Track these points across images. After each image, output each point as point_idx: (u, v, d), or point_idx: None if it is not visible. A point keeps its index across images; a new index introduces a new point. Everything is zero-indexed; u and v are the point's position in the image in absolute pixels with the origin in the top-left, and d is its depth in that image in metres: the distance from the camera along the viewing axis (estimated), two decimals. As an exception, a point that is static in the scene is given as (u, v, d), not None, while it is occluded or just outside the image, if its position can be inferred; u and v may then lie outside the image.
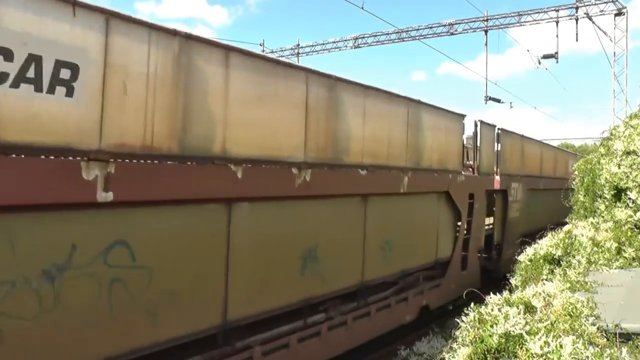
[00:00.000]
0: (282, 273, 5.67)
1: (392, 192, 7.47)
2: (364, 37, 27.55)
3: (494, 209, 11.86)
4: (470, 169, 10.74)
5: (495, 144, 11.55)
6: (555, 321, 3.84)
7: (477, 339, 3.75)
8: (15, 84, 3.19)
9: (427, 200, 8.67)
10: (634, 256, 6.25)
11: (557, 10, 22.82)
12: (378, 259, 7.32)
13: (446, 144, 9.12)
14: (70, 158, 3.48)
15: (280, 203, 5.54)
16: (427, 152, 8.43)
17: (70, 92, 3.47)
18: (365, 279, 7.08)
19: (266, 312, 5.44)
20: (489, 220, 12.00)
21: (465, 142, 10.46)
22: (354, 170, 6.59)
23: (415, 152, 8.06)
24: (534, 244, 7.16)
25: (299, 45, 30.31)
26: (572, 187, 9.11)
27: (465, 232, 10.01)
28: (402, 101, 7.76)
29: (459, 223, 9.84)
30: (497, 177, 11.44)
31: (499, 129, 11.66)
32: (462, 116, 9.80)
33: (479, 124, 10.65)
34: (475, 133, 10.68)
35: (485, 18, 24.37)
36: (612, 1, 21.68)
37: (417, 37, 25.94)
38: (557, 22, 22.81)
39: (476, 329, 3.86)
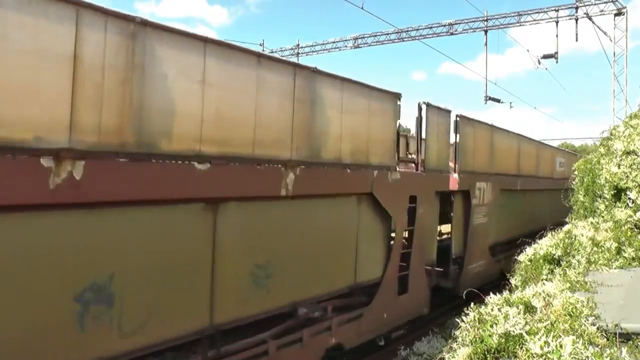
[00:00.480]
0: (46, 324, 3.68)
1: (266, 195, 5.36)
2: (363, 37, 27.55)
3: (452, 214, 9.85)
4: (414, 165, 8.71)
5: (453, 134, 9.59)
6: (555, 321, 3.84)
7: (477, 339, 3.75)
8: None
9: (334, 205, 6.50)
10: (634, 256, 6.25)
11: (557, 10, 22.81)
12: (243, 291, 5.25)
13: (369, 130, 6.96)
14: None
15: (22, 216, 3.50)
16: (333, 139, 6.33)
17: None
18: (216, 322, 4.97)
19: None
20: (448, 228, 10.33)
21: (410, 132, 8.97)
22: (184, 165, 4.49)
23: (310, 138, 5.93)
24: (522, 250, 6.88)
25: (298, 45, 30.31)
26: (572, 187, 9.10)
27: (404, 244, 8.09)
28: (284, 68, 5.58)
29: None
30: (455, 176, 9.43)
31: (458, 115, 9.65)
32: (396, 95, 7.52)
33: (424, 107, 8.39)
34: (419, 119, 8.38)
35: (485, 18, 24.36)
36: (612, 1, 21.68)
37: (417, 37, 25.94)
38: (557, 22, 22.80)
39: (476, 329, 3.86)
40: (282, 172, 5.53)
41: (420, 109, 8.38)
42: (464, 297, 5.29)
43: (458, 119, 9.62)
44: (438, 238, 11.28)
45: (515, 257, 7.00)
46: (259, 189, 5.27)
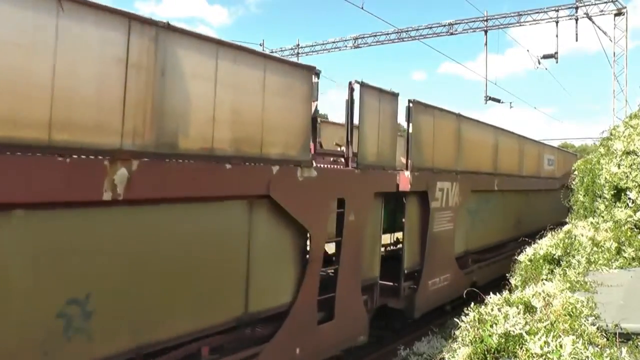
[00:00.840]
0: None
1: (74, 200, 3.75)
2: (363, 37, 27.55)
3: (404, 220, 8.15)
4: (343, 159, 7.07)
5: (406, 123, 8.07)
6: (555, 321, 3.85)
7: (477, 339, 3.76)
8: None
9: (205, 213, 4.83)
10: (634, 256, 6.26)
11: (557, 10, 22.81)
12: (45, 341, 3.64)
13: (265, 112, 5.25)
14: None
15: None
16: (201, 122, 4.66)
17: None
18: None
19: None
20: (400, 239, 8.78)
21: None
22: None
23: (158, 120, 4.30)
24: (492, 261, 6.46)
25: (298, 45, 30.31)
26: (572, 187, 9.11)
27: (329, 259, 6.72)
28: (108, 20, 3.94)
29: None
30: (407, 174, 7.75)
31: (411, 101, 7.98)
32: (310, 70, 5.89)
33: (357, 87, 6.68)
34: (350, 102, 6.69)
35: (485, 18, 24.36)
36: (612, 1, 21.68)
37: (417, 37, 25.94)
38: (557, 22, 22.81)
39: (476, 329, 3.87)
40: (105, 166, 3.86)
41: (351, 90, 6.62)
42: (464, 296, 5.25)
43: (411, 105, 7.98)
44: (389, 249, 10.18)
45: (516, 257, 7.00)
46: (58, 191, 3.60)
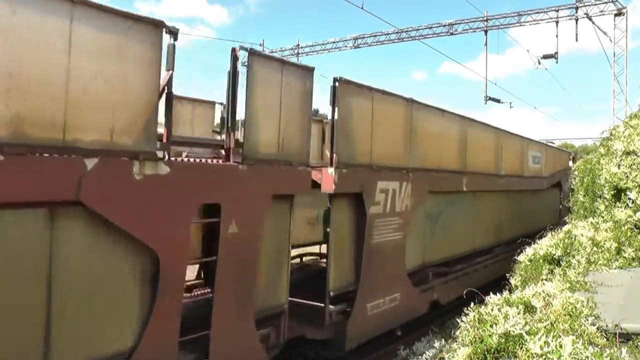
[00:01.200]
0: None
1: None
2: (363, 37, 27.55)
3: (328, 229, 6.52)
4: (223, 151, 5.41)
5: (331, 107, 6.33)
6: (555, 321, 3.85)
7: (477, 339, 3.75)
8: None
9: None
10: (634, 256, 6.26)
11: (557, 11, 22.82)
12: None
13: (72, 80, 3.66)
14: None
15: None
16: None
17: None
18: None
19: None
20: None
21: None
22: None
23: None
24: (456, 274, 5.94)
25: (298, 45, 30.31)
26: (572, 187, 9.10)
27: (194, 287, 5.72)
28: None
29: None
30: (330, 171, 6.23)
31: (337, 79, 6.28)
32: (158, 27, 4.21)
33: (242, 55, 5.13)
34: (232, 75, 5.07)
35: (485, 18, 24.36)
36: (612, 1, 21.69)
37: (417, 37, 25.95)
38: (557, 22, 22.81)
39: (476, 329, 3.86)
40: None
41: (234, 58, 5.06)
42: (464, 296, 5.18)
43: (337, 84, 6.25)
44: (319, 265, 8.54)
45: (513, 257, 6.99)
46: None
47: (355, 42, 27.75)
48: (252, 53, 5.16)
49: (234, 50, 5.11)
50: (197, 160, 5.17)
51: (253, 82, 5.13)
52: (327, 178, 6.23)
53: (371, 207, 6.86)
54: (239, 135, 5.34)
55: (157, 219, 4.22)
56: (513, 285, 6.02)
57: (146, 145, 4.13)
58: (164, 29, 4.22)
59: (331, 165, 6.27)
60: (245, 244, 5.13)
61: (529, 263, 6.51)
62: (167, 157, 4.30)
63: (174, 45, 4.40)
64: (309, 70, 5.95)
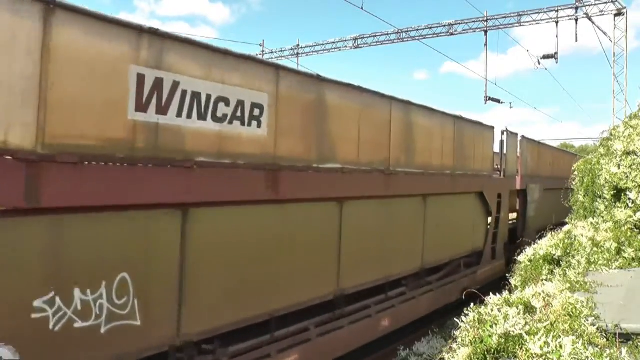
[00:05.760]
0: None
1: None
2: (363, 38, 27.55)
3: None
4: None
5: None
6: (555, 321, 3.85)
7: (477, 339, 3.75)
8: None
9: None
10: (634, 256, 6.26)
11: (557, 11, 22.82)
12: None
13: None
14: None
15: None
16: None
17: None
18: None
19: None
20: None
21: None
22: None
23: None
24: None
25: (298, 45, 30.31)
26: (572, 187, 9.11)
27: None
28: None
29: None
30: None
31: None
32: None
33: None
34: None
35: (485, 18, 24.36)
36: (612, 1, 21.69)
37: (417, 38, 25.94)
38: (557, 23, 22.82)
39: (476, 329, 3.86)
40: None
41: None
42: (463, 297, 5.24)
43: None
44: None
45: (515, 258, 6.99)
46: None
47: (355, 42, 27.74)
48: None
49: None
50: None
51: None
52: None
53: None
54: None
55: None
56: (513, 286, 6.02)
57: None
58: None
59: None
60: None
61: (529, 263, 6.51)
62: None
63: None
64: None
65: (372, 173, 7.27)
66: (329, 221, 6.56)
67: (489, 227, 11.81)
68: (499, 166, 12.69)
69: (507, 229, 12.97)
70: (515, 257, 6.99)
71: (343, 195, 6.65)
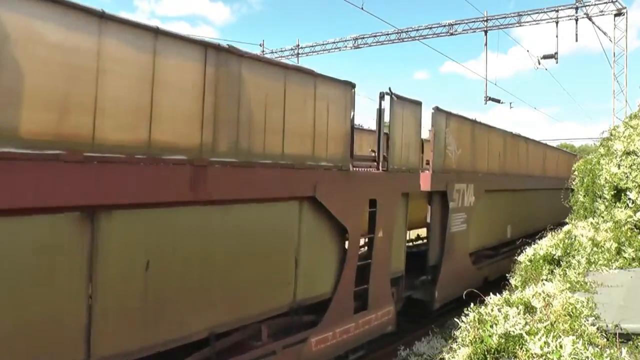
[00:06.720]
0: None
1: None
2: (363, 38, 27.54)
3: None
4: None
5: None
6: (555, 321, 3.85)
7: (477, 339, 3.76)
8: None
9: None
10: (634, 256, 6.26)
11: (557, 11, 22.81)
12: None
13: None
14: None
15: None
16: None
17: None
18: None
19: None
20: None
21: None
22: None
23: None
24: None
25: (298, 45, 30.30)
26: (572, 187, 9.10)
27: None
28: None
29: None
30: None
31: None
32: None
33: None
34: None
35: (485, 18, 24.36)
36: (612, 1, 21.69)
37: (417, 38, 25.93)
38: (557, 23, 22.81)
39: (476, 329, 3.87)
40: None
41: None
42: (464, 297, 5.26)
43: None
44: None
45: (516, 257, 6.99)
46: None
47: (355, 42, 27.74)
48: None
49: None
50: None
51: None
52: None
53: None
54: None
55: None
56: (513, 286, 6.02)
57: None
58: None
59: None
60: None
61: (529, 263, 6.51)
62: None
63: None
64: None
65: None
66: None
67: (346, 256, 6.64)
68: (376, 153, 7.47)
69: (402, 254, 8.06)
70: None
71: None
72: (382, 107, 7.35)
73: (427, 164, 9.03)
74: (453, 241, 9.51)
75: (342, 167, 6.45)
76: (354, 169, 6.87)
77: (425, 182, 8.52)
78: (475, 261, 10.70)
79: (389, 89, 7.36)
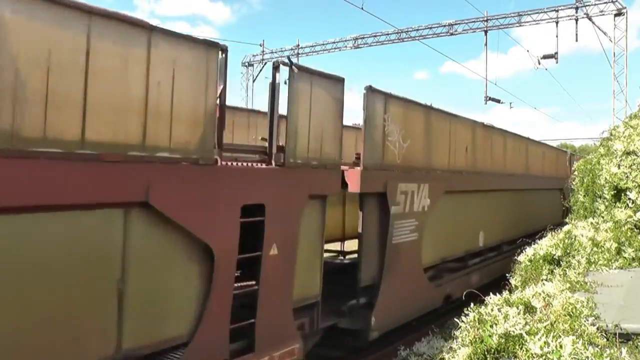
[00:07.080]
0: None
1: None
2: (363, 38, 27.55)
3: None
4: None
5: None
6: (555, 321, 3.85)
7: (477, 339, 3.76)
8: None
9: None
10: (634, 256, 6.27)
11: (557, 11, 22.83)
12: None
13: None
14: None
15: None
16: None
17: None
18: None
19: None
20: None
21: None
22: None
23: None
24: None
25: (298, 45, 30.31)
26: (572, 187, 9.11)
27: None
28: None
29: None
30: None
31: None
32: None
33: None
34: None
35: (485, 18, 24.36)
36: (612, 1, 21.69)
37: (417, 38, 25.94)
38: (557, 23, 22.82)
39: (476, 329, 3.87)
40: None
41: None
42: (463, 297, 5.24)
43: None
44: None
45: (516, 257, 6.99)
46: None
47: (355, 42, 27.75)
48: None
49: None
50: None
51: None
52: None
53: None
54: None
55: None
56: (513, 286, 6.02)
57: None
58: None
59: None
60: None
61: (529, 263, 6.51)
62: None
63: None
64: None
65: None
66: None
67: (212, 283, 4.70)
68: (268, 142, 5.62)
69: (316, 275, 6.00)
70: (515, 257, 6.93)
71: None
72: (277, 81, 5.50)
73: (358, 158, 7.01)
74: (397, 254, 7.23)
75: (200, 161, 4.42)
76: (228, 163, 4.99)
77: (353, 182, 6.49)
78: (433, 277, 8.58)
79: (288, 57, 6.04)
